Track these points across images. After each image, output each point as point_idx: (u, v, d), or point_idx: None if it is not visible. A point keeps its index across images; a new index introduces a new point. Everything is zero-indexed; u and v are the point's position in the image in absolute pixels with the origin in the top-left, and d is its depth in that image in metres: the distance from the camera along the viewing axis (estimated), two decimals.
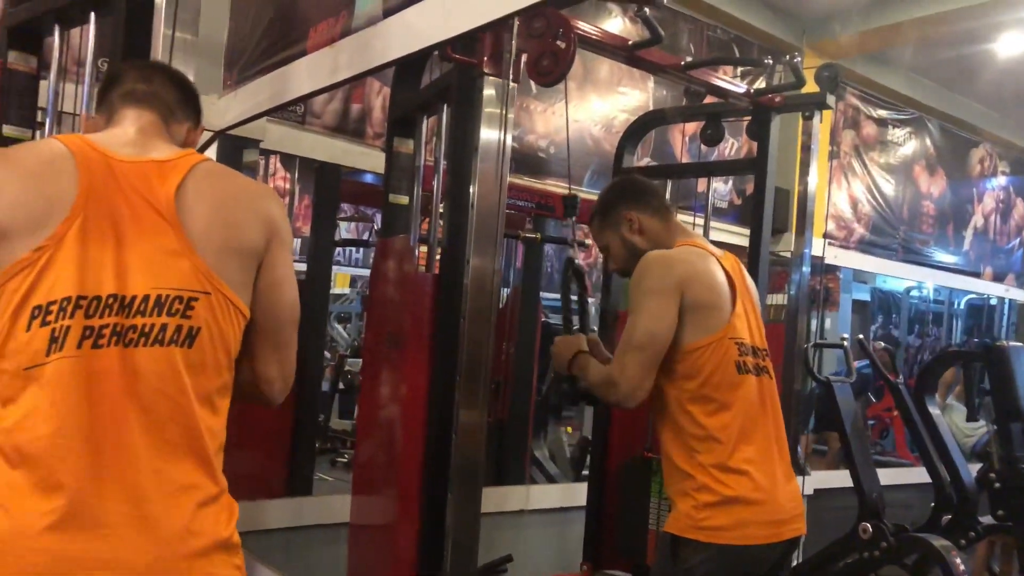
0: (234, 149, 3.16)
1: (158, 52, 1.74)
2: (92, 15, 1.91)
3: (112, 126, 1.34)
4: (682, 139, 5.27)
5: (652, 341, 1.89)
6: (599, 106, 5.02)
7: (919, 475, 3.73)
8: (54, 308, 1.14)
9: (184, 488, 1.17)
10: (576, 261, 2.36)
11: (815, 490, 4.24)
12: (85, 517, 1.10)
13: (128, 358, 1.16)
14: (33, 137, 2.16)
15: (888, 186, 6.90)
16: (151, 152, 1.29)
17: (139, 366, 1.16)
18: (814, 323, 3.80)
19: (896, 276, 8.15)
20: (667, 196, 3.12)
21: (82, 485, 1.11)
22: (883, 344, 7.04)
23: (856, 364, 3.57)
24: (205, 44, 1.75)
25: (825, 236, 5.65)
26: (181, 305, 1.19)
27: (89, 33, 1.93)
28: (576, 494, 3.62)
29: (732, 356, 1.92)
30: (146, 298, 1.17)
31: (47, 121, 2.10)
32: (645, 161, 4.95)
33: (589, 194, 4.54)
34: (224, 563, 1.20)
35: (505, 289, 4.71)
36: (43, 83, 2.17)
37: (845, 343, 3.56)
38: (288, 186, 4.78)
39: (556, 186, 4.58)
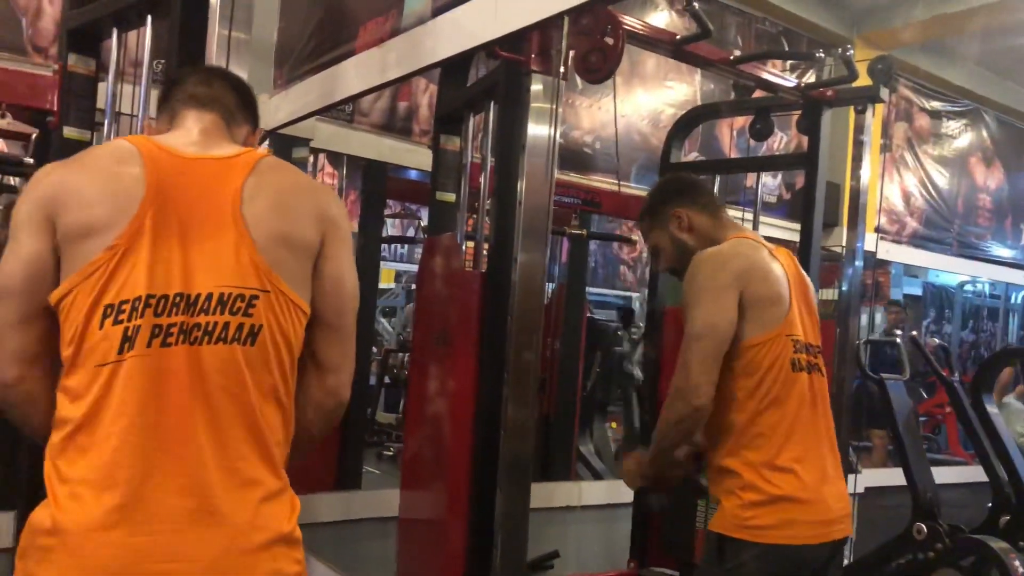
0: (284, 147, 3.20)
1: (213, 52, 1.77)
2: (149, 17, 1.95)
3: (175, 128, 1.36)
4: (730, 133, 5.20)
5: (712, 331, 1.84)
6: (646, 100, 4.98)
7: (973, 474, 3.65)
8: (126, 307, 1.16)
9: (248, 483, 1.19)
10: (635, 375, 2.29)
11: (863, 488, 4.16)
12: (152, 512, 1.13)
13: (193, 356, 1.18)
14: (92, 138, 2.21)
15: (942, 179, 6.74)
16: (215, 150, 1.31)
17: (204, 364, 1.18)
18: (863, 318, 3.73)
19: (950, 271, 7.96)
20: (715, 191, 3.09)
21: (149, 480, 1.14)
22: (937, 340, 6.90)
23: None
24: (256, 44, 1.78)
25: (877, 230, 5.55)
26: (243, 303, 1.21)
27: (146, 35, 1.97)
28: (622, 491, 3.60)
29: (788, 353, 1.89)
30: (210, 296, 1.19)
31: (105, 122, 2.15)
32: (693, 156, 4.91)
33: (636, 190, 4.52)
34: (285, 557, 1.22)
35: (550, 285, 4.71)
36: (101, 85, 2.22)
37: (898, 339, 3.50)
38: (336, 182, 4.83)
39: (602, 182, 4.55)
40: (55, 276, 1.21)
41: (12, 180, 3.38)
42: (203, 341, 1.18)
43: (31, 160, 2.56)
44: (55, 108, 2.28)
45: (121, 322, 1.16)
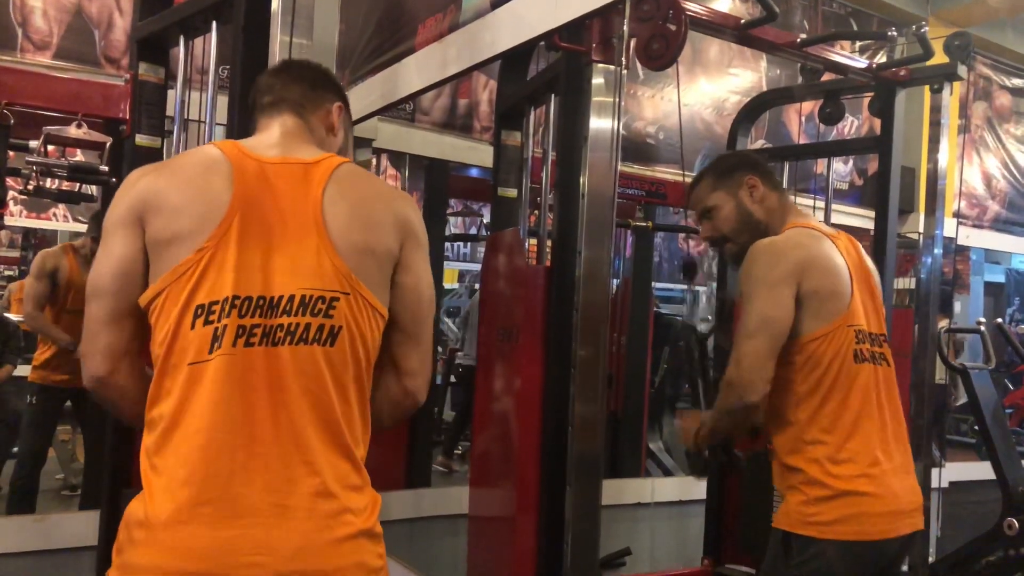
0: None
1: (275, 57, 1.79)
2: (213, 24, 1.98)
3: (259, 132, 1.41)
4: (798, 119, 5.07)
5: (767, 325, 1.80)
6: (709, 88, 4.89)
7: None
8: (216, 308, 1.20)
9: (330, 479, 1.22)
10: (704, 334, 2.28)
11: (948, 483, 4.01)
12: (239, 506, 1.17)
13: (274, 356, 1.21)
14: (163, 145, 2.26)
15: None
16: (296, 153, 1.34)
17: (285, 363, 1.21)
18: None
19: None
20: (784, 178, 3.02)
21: (235, 476, 1.18)
22: None
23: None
24: (318, 47, 1.79)
25: (956, 215, 5.34)
26: (324, 305, 1.24)
27: (211, 42, 2.01)
28: (694, 488, 3.55)
29: (850, 345, 1.83)
30: (291, 298, 1.23)
31: (175, 129, 2.19)
32: (759, 143, 4.80)
33: None
34: (369, 551, 1.24)
35: (614, 280, 4.67)
36: (170, 93, 2.27)
37: (982, 327, 3.35)
38: (398, 182, 4.87)
39: (666, 172, 4.49)
40: (144, 278, 1.25)
41: (90, 189, 3.50)
42: (284, 342, 1.21)
43: (105, 168, 2.64)
44: (127, 117, 2.34)
45: (211, 322, 1.20)
